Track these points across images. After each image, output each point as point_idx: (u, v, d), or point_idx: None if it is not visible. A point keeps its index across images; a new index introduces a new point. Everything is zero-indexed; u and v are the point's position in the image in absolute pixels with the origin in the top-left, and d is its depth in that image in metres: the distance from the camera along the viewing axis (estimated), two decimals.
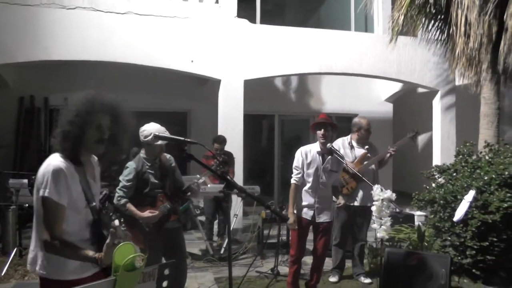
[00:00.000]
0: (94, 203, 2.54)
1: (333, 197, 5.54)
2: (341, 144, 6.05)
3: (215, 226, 7.78)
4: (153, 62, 8.52)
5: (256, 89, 9.57)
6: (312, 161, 5.15)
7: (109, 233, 2.30)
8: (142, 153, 4.59)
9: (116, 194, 4.47)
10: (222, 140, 7.59)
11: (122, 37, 8.30)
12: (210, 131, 8.56)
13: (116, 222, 2.30)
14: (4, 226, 6.95)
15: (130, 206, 4.42)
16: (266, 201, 6.62)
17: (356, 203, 5.97)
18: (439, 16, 8.36)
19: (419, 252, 5.59)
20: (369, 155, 6.03)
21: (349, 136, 6.18)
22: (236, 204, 7.64)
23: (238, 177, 8.49)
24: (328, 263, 6.32)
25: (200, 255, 7.18)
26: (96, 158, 2.76)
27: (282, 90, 11.63)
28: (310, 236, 5.34)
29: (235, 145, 8.64)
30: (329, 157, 5.16)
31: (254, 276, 6.25)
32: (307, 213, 5.15)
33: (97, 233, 2.51)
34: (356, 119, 6.22)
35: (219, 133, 8.64)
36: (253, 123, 11.39)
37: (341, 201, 5.72)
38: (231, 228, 7.47)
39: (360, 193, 5.95)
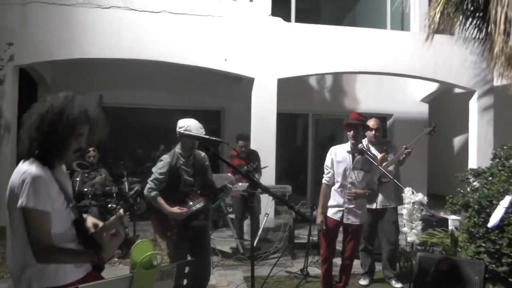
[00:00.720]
0: (73, 203, 2.47)
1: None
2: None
3: (245, 225, 7.78)
4: (186, 61, 8.60)
5: (290, 88, 9.56)
6: (341, 160, 5.10)
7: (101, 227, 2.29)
8: (178, 148, 4.55)
9: (147, 186, 4.46)
10: (245, 137, 7.59)
11: (156, 36, 8.42)
12: (243, 130, 8.55)
13: (121, 211, 2.28)
14: None
15: (160, 200, 4.40)
16: (297, 201, 6.65)
17: (376, 206, 5.87)
18: (477, 14, 8.13)
19: (452, 257, 5.47)
20: (387, 156, 5.90)
21: (365, 140, 6.04)
22: (267, 203, 7.63)
23: (270, 176, 8.48)
24: (359, 266, 6.29)
25: (231, 253, 7.21)
26: None
27: (317, 89, 11.55)
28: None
29: (267, 144, 8.66)
30: (359, 156, 5.09)
31: (284, 276, 6.24)
32: (335, 214, 5.10)
33: (81, 231, 2.45)
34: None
35: (252, 131, 8.68)
36: (287, 122, 11.37)
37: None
38: (262, 227, 7.47)
39: (380, 196, 5.85)
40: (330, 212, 5.13)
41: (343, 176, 5.07)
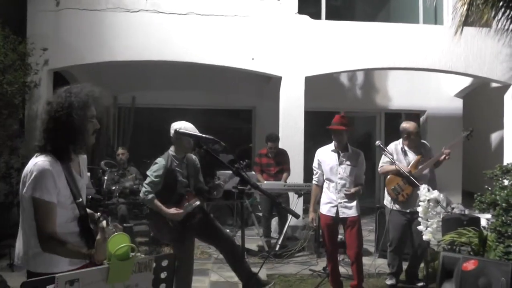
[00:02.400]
0: (80, 199, 2.58)
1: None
2: (394, 149, 5.87)
3: (273, 224, 7.82)
4: (214, 61, 8.71)
5: (321, 85, 9.55)
6: (327, 159, 5.41)
7: (97, 227, 2.36)
8: (171, 151, 4.71)
9: (143, 189, 4.59)
10: (275, 138, 7.65)
11: (184, 37, 8.56)
12: (274, 128, 8.62)
13: (104, 223, 2.35)
14: None
15: (157, 202, 4.53)
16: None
17: (411, 209, 5.72)
18: (510, 4, 7.83)
19: (477, 258, 5.34)
20: (423, 158, 5.79)
21: (400, 141, 5.96)
22: (293, 201, 7.64)
23: (298, 174, 8.47)
24: (385, 265, 6.25)
25: (256, 251, 7.26)
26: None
27: (348, 87, 11.46)
28: None
29: (295, 142, 8.67)
30: (344, 152, 5.35)
31: (307, 274, 6.25)
32: (330, 210, 5.35)
33: (85, 227, 2.57)
34: (403, 125, 5.97)
35: (280, 130, 8.70)
36: (319, 120, 11.30)
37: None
38: (287, 225, 7.48)
39: (416, 199, 5.72)
40: (325, 210, 5.39)
41: (330, 173, 5.36)
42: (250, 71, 8.95)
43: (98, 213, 2.55)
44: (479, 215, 7.33)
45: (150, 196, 4.55)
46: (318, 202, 5.57)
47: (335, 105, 11.32)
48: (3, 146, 7.16)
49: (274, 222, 7.91)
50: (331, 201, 5.35)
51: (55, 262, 2.49)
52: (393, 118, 11.56)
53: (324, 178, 5.47)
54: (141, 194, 4.64)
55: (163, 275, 2.10)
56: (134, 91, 10.48)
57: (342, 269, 6.20)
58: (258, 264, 6.60)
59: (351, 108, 11.51)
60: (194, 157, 4.86)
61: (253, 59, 8.69)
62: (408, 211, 5.73)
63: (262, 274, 6.18)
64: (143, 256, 2.08)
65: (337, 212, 5.30)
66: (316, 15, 9.46)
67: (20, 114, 7.95)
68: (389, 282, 5.95)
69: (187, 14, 8.58)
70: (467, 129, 6.08)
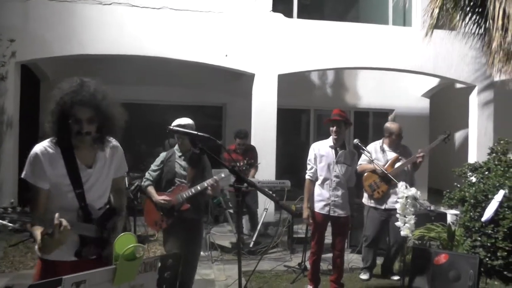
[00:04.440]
0: (80, 190, 2.58)
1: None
2: (373, 148, 5.99)
3: (244, 221, 7.84)
4: (187, 57, 8.66)
5: (292, 83, 9.60)
6: (324, 155, 5.28)
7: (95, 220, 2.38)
8: (177, 145, 4.84)
9: (144, 177, 4.86)
10: (243, 135, 7.66)
11: (157, 32, 8.47)
12: (244, 125, 8.61)
13: (56, 214, 2.28)
14: None
15: (151, 189, 4.76)
16: (298, 196, 6.71)
17: (385, 207, 5.87)
18: (476, 9, 8.13)
19: (447, 251, 5.52)
20: (400, 158, 5.93)
21: (381, 141, 6.12)
22: (266, 198, 7.67)
23: (270, 171, 8.54)
24: (359, 260, 6.39)
25: (230, 248, 7.26)
26: (113, 143, 2.78)
27: (318, 85, 11.57)
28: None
29: (268, 139, 8.72)
30: (342, 150, 5.26)
31: (282, 270, 6.30)
32: (322, 208, 5.25)
33: (84, 218, 2.58)
34: (387, 124, 6.16)
35: (253, 127, 8.72)
36: (289, 118, 11.39)
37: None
38: (261, 222, 7.53)
39: (392, 197, 5.83)
40: (317, 207, 5.29)
41: (327, 170, 5.24)
42: (223, 68, 8.94)
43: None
44: (445, 211, 7.60)
45: (146, 183, 4.79)
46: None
47: (305, 103, 11.44)
48: None
49: (244, 219, 7.93)
50: (324, 199, 5.25)
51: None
52: (362, 117, 11.78)
53: (318, 174, 5.32)
54: (142, 182, 4.90)
55: (167, 274, 2.10)
56: (104, 85, 10.30)
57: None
58: (232, 261, 6.67)
59: (321, 106, 11.65)
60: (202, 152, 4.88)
61: (226, 55, 8.68)
62: (383, 207, 5.86)
63: (237, 271, 6.22)
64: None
65: (328, 210, 5.24)
66: (287, 13, 9.53)
67: None
68: (363, 276, 6.08)
69: (161, 9, 8.50)
70: (444, 133, 6.25)
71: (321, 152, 5.32)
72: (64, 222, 2.27)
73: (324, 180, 5.26)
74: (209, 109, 11.32)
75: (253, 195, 7.75)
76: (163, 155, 4.88)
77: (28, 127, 9.04)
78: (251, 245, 7.15)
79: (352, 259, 6.59)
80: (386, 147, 6.03)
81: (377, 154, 5.97)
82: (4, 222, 2.08)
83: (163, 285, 2.10)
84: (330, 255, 5.68)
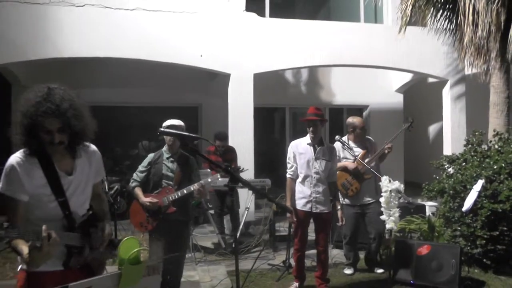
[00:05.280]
0: (63, 198, 2.50)
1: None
2: (339, 146, 6.00)
3: (225, 221, 7.82)
4: (162, 58, 8.58)
5: (266, 82, 9.62)
6: (303, 152, 5.32)
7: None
8: (165, 146, 4.83)
9: (132, 178, 4.86)
10: (224, 137, 7.63)
11: (131, 33, 8.36)
12: (221, 125, 8.59)
13: (44, 226, 2.20)
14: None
15: (137, 191, 4.76)
16: (277, 194, 6.72)
17: (361, 203, 5.94)
18: (447, 6, 8.31)
19: (429, 242, 5.63)
20: (369, 154, 5.98)
21: (345, 137, 6.14)
22: (248, 197, 7.68)
23: (249, 170, 8.52)
24: (342, 256, 6.42)
25: (213, 249, 7.25)
26: (92, 148, 2.73)
27: (293, 83, 11.64)
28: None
29: (245, 138, 8.71)
30: (320, 147, 5.30)
31: (266, 268, 6.31)
32: (305, 205, 5.28)
33: (69, 227, 2.50)
34: (349, 119, 6.18)
35: (230, 127, 8.70)
36: (264, 116, 11.43)
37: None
38: (243, 221, 7.52)
39: (363, 192, 5.90)
40: (299, 205, 5.32)
41: (306, 167, 5.28)
42: (198, 68, 8.91)
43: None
44: (424, 203, 7.73)
45: (133, 184, 4.79)
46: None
47: (279, 101, 11.50)
48: None
49: (225, 219, 7.91)
50: (306, 196, 5.28)
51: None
52: (337, 113, 11.89)
53: (299, 172, 5.36)
54: (129, 183, 4.88)
55: (169, 277, 2.10)
56: (78, 88, 10.14)
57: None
58: (216, 262, 6.65)
59: (296, 104, 11.73)
60: (191, 156, 4.87)
61: (201, 56, 8.64)
62: (358, 204, 5.93)
63: (222, 272, 6.22)
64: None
65: (310, 207, 5.27)
66: (259, 13, 9.55)
67: None
68: (347, 271, 6.12)
69: (134, 10, 8.40)
70: (407, 121, 6.32)
71: (299, 150, 5.37)
72: (53, 234, 2.19)
73: (305, 177, 5.30)
74: (184, 110, 11.25)
75: (235, 194, 7.73)
76: (150, 156, 4.85)
77: (0, 133, 8.85)
78: (233, 245, 7.12)
79: (335, 254, 6.64)
80: (351, 143, 6.06)
81: (344, 152, 6.01)
82: None
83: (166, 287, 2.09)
84: (313, 251, 5.73)
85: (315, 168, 5.26)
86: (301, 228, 5.34)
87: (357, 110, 11.78)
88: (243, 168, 5.30)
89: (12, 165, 2.43)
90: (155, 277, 2.04)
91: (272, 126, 12.58)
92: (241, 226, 7.36)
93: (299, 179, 5.34)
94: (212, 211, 7.76)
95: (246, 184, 2.99)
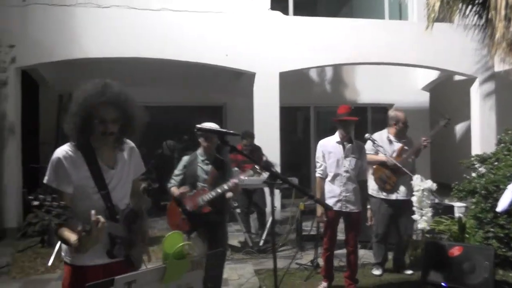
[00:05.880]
0: (106, 190, 2.58)
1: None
2: (378, 138, 5.91)
3: (251, 220, 7.81)
4: (188, 57, 8.64)
5: (290, 81, 9.58)
6: (332, 151, 5.24)
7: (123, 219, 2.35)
8: (200, 149, 4.84)
9: (169, 183, 4.90)
10: (250, 136, 7.63)
11: (157, 34, 8.45)
12: (245, 125, 8.59)
13: (93, 211, 2.28)
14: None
15: (174, 190, 4.79)
16: (301, 194, 6.68)
17: (397, 197, 5.80)
18: (476, 1, 8.15)
19: (461, 244, 5.52)
20: (406, 148, 5.88)
21: (385, 130, 6.03)
22: (274, 196, 7.65)
23: (275, 169, 8.50)
24: (370, 256, 6.32)
25: (240, 247, 7.24)
26: (130, 144, 2.82)
27: (317, 82, 11.59)
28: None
29: (271, 138, 8.70)
30: (349, 145, 5.23)
31: (294, 268, 6.26)
32: (334, 205, 5.18)
33: (111, 219, 2.55)
34: (392, 113, 6.07)
35: (255, 126, 8.69)
36: (288, 116, 11.38)
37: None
38: (270, 221, 7.50)
39: (401, 187, 5.78)
40: (329, 204, 5.17)
41: (336, 165, 5.21)
42: (224, 68, 8.95)
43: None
44: (452, 204, 7.60)
45: (170, 184, 4.86)
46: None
47: (304, 100, 11.46)
48: None
49: (251, 218, 7.90)
50: (336, 195, 5.20)
51: (74, 255, 2.51)
52: (361, 112, 11.78)
53: (328, 171, 5.29)
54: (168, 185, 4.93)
55: (212, 272, 2.09)
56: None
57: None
58: (243, 260, 6.65)
59: (320, 103, 11.67)
60: (226, 160, 4.95)
61: (227, 55, 8.66)
62: (393, 198, 5.82)
63: (249, 270, 6.21)
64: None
65: (340, 206, 5.20)
66: (283, 11, 9.52)
67: None
68: (376, 272, 6.03)
69: (160, 10, 8.47)
70: (444, 118, 6.19)
71: (328, 149, 5.28)
72: (101, 219, 2.28)
73: (334, 176, 5.23)
74: (209, 109, 11.30)
75: (261, 193, 7.73)
76: (185, 159, 4.88)
77: (29, 133, 9.00)
78: (260, 244, 7.12)
79: (362, 255, 6.57)
80: (392, 137, 5.95)
81: (384, 144, 5.90)
82: (51, 217, 2.08)
83: (208, 283, 2.09)
84: (340, 251, 5.67)
85: (344, 166, 5.19)
86: (330, 227, 5.28)
87: (382, 108, 11.67)
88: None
89: (59, 157, 2.50)
90: (199, 272, 2.04)
91: (296, 126, 12.53)
92: (268, 225, 7.39)
93: (329, 178, 5.27)
94: (238, 210, 7.75)
95: (286, 181, 2.97)
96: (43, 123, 10.15)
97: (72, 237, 2.33)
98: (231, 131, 2.95)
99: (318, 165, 5.36)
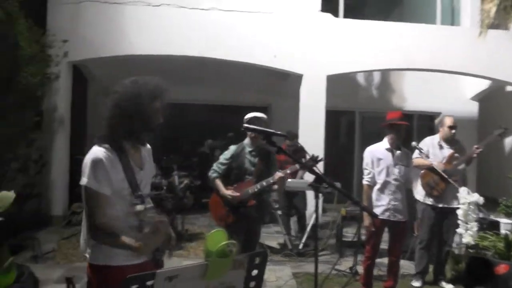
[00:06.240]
0: (139, 191, 2.53)
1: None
2: (430, 143, 5.81)
3: (291, 222, 7.79)
4: (236, 57, 8.71)
5: (337, 84, 9.49)
6: (382, 158, 5.11)
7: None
8: (246, 139, 4.84)
9: (211, 169, 4.85)
10: (293, 136, 7.60)
11: (205, 32, 8.55)
12: (290, 126, 8.54)
13: (138, 207, 2.32)
14: None
15: (218, 182, 4.78)
16: (346, 199, 6.61)
17: (444, 205, 5.67)
18: None
19: (507, 262, 5.34)
20: (457, 154, 5.72)
21: (437, 135, 5.89)
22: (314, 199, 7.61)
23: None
24: (409, 266, 6.19)
25: (279, 249, 7.25)
26: (148, 146, 2.77)
27: (364, 86, 11.45)
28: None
29: (316, 141, 8.62)
30: (398, 152, 5.10)
31: (332, 274, 6.21)
32: (383, 214, 5.07)
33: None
34: (440, 117, 5.97)
35: (300, 128, 8.66)
36: (333, 119, 11.29)
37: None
38: (310, 225, 7.47)
39: (449, 195, 5.62)
40: (377, 212, 5.05)
41: (385, 173, 5.08)
42: (271, 69, 8.96)
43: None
44: (498, 219, 7.36)
45: (214, 175, 4.81)
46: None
47: (349, 104, 11.34)
48: (21, 138, 7.14)
49: (292, 221, 7.88)
50: (384, 203, 5.08)
51: (110, 255, 2.48)
52: (407, 120, 11.53)
53: (377, 178, 5.12)
54: (209, 173, 4.86)
55: (254, 272, 2.09)
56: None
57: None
58: (281, 262, 6.64)
59: (366, 108, 11.52)
60: (272, 149, 4.84)
61: (275, 56, 8.66)
62: (440, 205, 5.68)
63: (287, 272, 6.20)
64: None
65: (388, 215, 5.09)
66: (333, 13, 9.46)
67: (41, 106, 7.93)
68: (415, 284, 5.89)
69: (210, 10, 8.56)
70: (500, 128, 5.96)
71: (378, 155, 5.14)
72: (164, 219, 2.35)
73: (384, 184, 5.09)
74: (254, 110, 11.12)
75: (302, 196, 7.70)
76: (233, 148, 4.84)
77: (77, 126, 9.25)
78: (300, 247, 7.10)
79: (402, 265, 6.44)
80: (443, 142, 5.81)
81: (434, 149, 5.77)
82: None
83: (249, 283, 2.08)
84: (380, 260, 5.58)
85: (394, 174, 5.07)
86: (375, 236, 5.16)
87: (428, 117, 11.44)
88: (321, 158, 5.14)
89: (100, 158, 2.42)
90: (240, 272, 2.03)
91: (340, 130, 12.42)
92: (308, 229, 7.35)
93: (377, 186, 5.13)
94: (279, 212, 7.75)
95: (331, 185, 2.94)
96: (91, 116, 10.41)
97: (131, 241, 2.37)
98: (278, 132, 2.94)
99: (366, 172, 5.20)
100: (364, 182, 5.21)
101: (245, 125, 3.13)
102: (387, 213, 5.08)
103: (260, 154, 4.77)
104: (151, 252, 2.47)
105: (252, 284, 2.10)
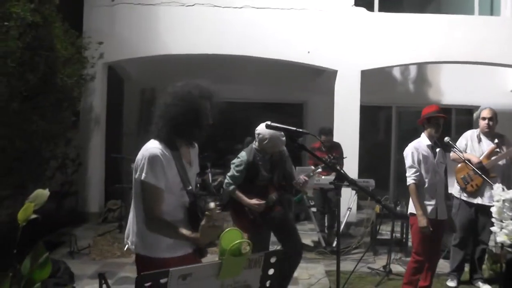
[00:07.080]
0: (190, 187, 2.67)
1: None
2: (469, 136, 5.64)
3: (326, 220, 7.74)
4: (270, 54, 8.72)
5: (373, 79, 9.37)
6: (425, 156, 4.81)
7: (204, 215, 2.40)
8: (255, 145, 4.69)
9: (226, 180, 4.72)
10: (328, 131, 7.53)
11: (239, 31, 8.58)
12: (325, 123, 8.47)
13: (212, 204, 2.38)
14: (128, 206, 7.52)
15: (239, 193, 4.63)
16: (380, 196, 6.52)
17: (480, 201, 5.50)
18: None
19: None
20: (498, 150, 5.46)
21: (478, 129, 5.69)
22: (350, 197, 7.56)
23: (353, 169, 8.36)
24: (444, 265, 6.03)
25: (312, 247, 7.23)
26: (196, 145, 2.91)
27: (400, 81, 11.24)
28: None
29: (350, 137, 8.58)
30: (439, 149, 4.86)
31: (366, 272, 6.15)
32: (431, 213, 4.78)
33: (193, 215, 2.63)
34: (482, 110, 5.72)
35: (335, 124, 8.61)
36: (369, 115, 11.14)
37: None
38: (344, 222, 7.41)
39: (486, 191, 5.42)
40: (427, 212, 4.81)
41: (432, 171, 4.80)
42: (305, 65, 8.91)
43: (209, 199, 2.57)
44: None
45: (231, 187, 4.64)
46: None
47: (385, 100, 11.15)
48: (60, 137, 7.34)
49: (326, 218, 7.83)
50: (433, 203, 4.77)
51: (157, 248, 2.60)
52: (445, 113, 11.25)
53: (423, 177, 4.80)
54: (224, 185, 4.76)
55: (270, 271, 2.09)
56: None
57: (400, 268, 6.10)
58: (315, 260, 6.62)
59: (403, 103, 11.31)
60: (283, 149, 4.78)
61: (309, 52, 8.62)
62: (476, 202, 5.52)
63: (320, 270, 6.17)
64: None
65: (436, 214, 4.78)
66: (368, 7, 9.32)
67: (78, 106, 8.13)
68: (451, 284, 5.74)
69: (243, 8, 8.59)
70: None
71: (423, 153, 4.82)
72: (221, 212, 2.44)
73: (430, 182, 4.80)
74: (289, 107, 11.33)
75: (338, 193, 7.61)
76: (244, 157, 4.66)
77: (113, 125, 9.45)
78: (334, 245, 7.04)
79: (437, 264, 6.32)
80: (482, 136, 5.60)
81: (473, 143, 5.58)
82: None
83: (265, 282, 2.09)
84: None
85: (438, 171, 4.83)
86: (429, 237, 4.73)
87: (467, 110, 11.15)
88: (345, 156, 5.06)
89: (157, 155, 2.57)
90: (256, 270, 2.04)
91: (377, 125, 12.23)
92: (342, 226, 7.29)
93: (424, 184, 4.81)
94: (314, 209, 7.71)
95: (352, 183, 2.91)
96: (127, 116, 10.61)
97: (188, 232, 2.49)
98: (301, 130, 2.93)
99: (413, 170, 4.80)
100: (411, 181, 4.80)
101: (268, 122, 3.12)
102: (434, 212, 4.79)
103: (272, 157, 4.68)
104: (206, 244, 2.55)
105: (268, 283, 2.10)
